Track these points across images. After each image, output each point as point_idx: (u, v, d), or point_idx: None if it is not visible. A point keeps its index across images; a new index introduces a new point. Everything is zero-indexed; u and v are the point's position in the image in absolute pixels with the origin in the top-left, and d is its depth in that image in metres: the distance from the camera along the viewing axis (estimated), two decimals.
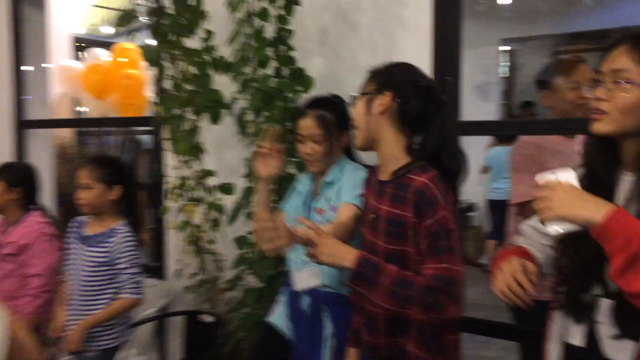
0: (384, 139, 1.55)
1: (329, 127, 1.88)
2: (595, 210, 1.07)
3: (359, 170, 1.88)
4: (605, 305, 1.18)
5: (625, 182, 1.20)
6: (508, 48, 6.96)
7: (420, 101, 1.52)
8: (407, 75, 1.55)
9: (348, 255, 1.45)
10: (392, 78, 1.55)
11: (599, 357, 1.19)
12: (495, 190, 5.42)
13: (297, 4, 2.22)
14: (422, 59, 2.13)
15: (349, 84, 2.39)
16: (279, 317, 2.02)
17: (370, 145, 1.58)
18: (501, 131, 4.32)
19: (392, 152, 1.54)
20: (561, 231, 1.11)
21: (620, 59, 1.15)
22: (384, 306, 1.44)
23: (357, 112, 1.58)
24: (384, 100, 1.52)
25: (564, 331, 1.27)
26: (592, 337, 1.21)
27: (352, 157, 1.98)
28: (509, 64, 7.00)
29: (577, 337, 1.24)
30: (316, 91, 2.25)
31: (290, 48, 2.24)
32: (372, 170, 1.70)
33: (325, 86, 2.42)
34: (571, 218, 1.09)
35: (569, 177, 1.13)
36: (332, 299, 1.86)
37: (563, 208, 1.09)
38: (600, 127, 1.18)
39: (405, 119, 1.53)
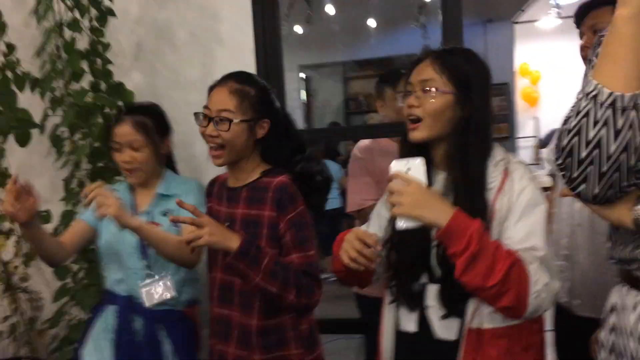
0: (243, 151, 1.60)
1: (148, 133, 1.81)
2: (440, 213, 1.17)
3: (190, 181, 1.86)
4: (432, 290, 1.32)
5: (439, 180, 1.37)
6: (304, 75, 7.44)
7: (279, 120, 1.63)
8: (273, 96, 1.64)
9: (233, 238, 1.44)
10: (268, 100, 1.61)
11: (431, 339, 1.32)
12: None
13: (112, 14, 2.14)
14: None
15: (169, 99, 2.39)
16: (93, 350, 1.80)
17: (233, 161, 1.61)
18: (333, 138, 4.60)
19: (250, 162, 1.62)
20: (407, 226, 1.21)
21: (426, 71, 1.32)
22: (267, 287, 1.46)
23: (233, 136, 1.56)
24: (264, 125, 1.59)
25: (398, 320, 1.40)
26: (423, 322, 1.34)
27: (172, 167, 1.95)
28: (306, 89, 7.50)
29: (410, 323, 1.37)
30: None
31: (107, 61, 2.15)
32: (214, 181, 1.75)
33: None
34: (419, 218, 1.18)
35: (418, 167, 1.23)
36: (169, 316, 1.79)
37: (413, 208, 1.17)
38: (417, 134, 1.33)
39: (270, 137, 1.61)
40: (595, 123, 0.86)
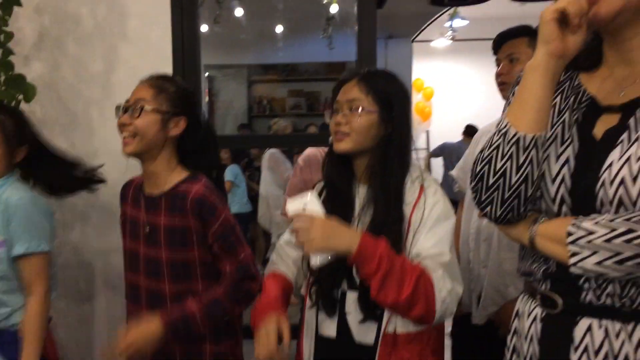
0: (161, 154, 1.59)
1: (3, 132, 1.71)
2: (350, 240, 1.22)
3: (35, 199, 1.73)
4: (352, 297, 1.40)
5: (360, 192, 1.46)
6: (206, 74, 7.35)
7: (200, 124, 1.66)
8: (195, 101, 1.66)
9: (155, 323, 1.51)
10: (187, 101, 1.62)
11: (351, 343, 1.40)
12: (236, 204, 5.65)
13: (18, 4, 2.04)
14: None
15: (71, 92, 2.32)
16: None
17: (142, 156, 1.59)
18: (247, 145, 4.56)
19: (166, 166, 1.61)
20: (321, 262, 1.26)
21: (353, 91, 1.42)
22: (215, 325, 1.57)
23: (144, 124, 1.55)
24: (180, 124, 1.59)
25: (318, 326, 1.47)
26: (343, 328, 1.41)
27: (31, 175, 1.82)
28: (209, 89, 7.41)
29: (330, 329, 1.43)
30: (37, 100, 2.12)
31: (9, 52, 2.05)
32: (128, 184, 1.73)
33: (48, 95, 2.30)
34: (333, 249, 1.23)
35: (313, 201, 1.30)
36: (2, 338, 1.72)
37: (325, 240, 1.21)
38: (342, 145, 1.42)
39: (187, 141, 1.62)
40: (503, 156, 0.98)
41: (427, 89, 7.89)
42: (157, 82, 1.60)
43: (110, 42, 2.32)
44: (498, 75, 1.91)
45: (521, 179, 0.98)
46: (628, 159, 0.92)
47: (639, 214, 0.89)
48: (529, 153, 0.96)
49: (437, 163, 7.09)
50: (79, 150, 2.21)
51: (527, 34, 1.86)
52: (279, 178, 5.22)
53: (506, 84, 1.86)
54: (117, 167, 1.79)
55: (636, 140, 0.92)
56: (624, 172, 0.91)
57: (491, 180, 1.00)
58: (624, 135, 0.94)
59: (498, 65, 1.94)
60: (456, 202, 2.04)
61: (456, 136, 6.85)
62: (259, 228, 5.67)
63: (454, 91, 7.84)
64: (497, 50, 1.95)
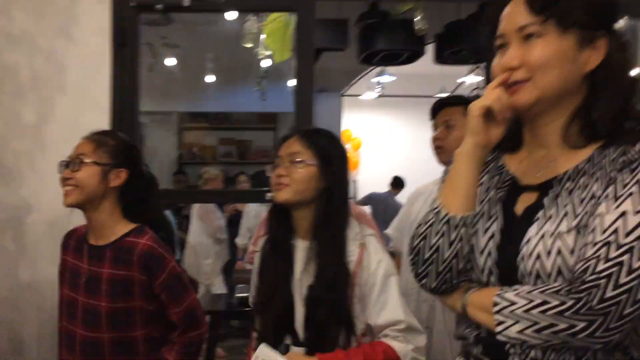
0: (103, 205, 1.62)
1: None
2: None
3: None
4: (298, 351, 1.43)
5: (300, 249, 1.50)
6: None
7: (141, 176, 1.70)
8: (136, 153, 1.70)
9: None
10: (128, 154, 1.66)
11: None
12: None
13: None
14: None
15: (2, 142, 2.24)
16: None
17: (84, 206, 1.62)
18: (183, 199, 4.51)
19: (110, 217, 1.63)
20: None
21: (294, 146, 1.50)
22: None
23: (84, 176, 1.59)
24: (121, 175, 1.63)
25: None
26: None
27: None
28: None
29: None
30: None
31: None
32: (71, 234, 1.73)
33: None
34: None
35: (266, 352, 1.37)
36: None
37: None
38: (282, 195, 1.47)
39: (129, 192, 1.65)
40: (436, 233, 1.07)
41: (355, 140, 8.13)
42: (97, 137, 1.65)
43: (45, 94, 2.27)
44: (435, 140, 2.02)
45: (453, 254, 1.06)
46: (543, 235, 1.01)
47: (553, 287, 0.96)
48: (459, 231, 1.06)
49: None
50: (6, 201, 2.12)
51: (462, 103, 1.99)
52: (209, 227, 5.16)
53: (442, 148, 1.97)
54: (45, 219, 1.75)
55: (550, 217, 1.02)
56: (540, 247, 1.00)
57: (427, 255, 1.08)
58: (540, 213, 1.04)
59: (435, 129, 2.05)
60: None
61: (383, 186, 7.04)
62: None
63: (382, 142, 8.12)
64: (434, 115, 2.07)
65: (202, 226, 5.16)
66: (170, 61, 5.28)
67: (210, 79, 5.85)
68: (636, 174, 0.96)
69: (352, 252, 1.43)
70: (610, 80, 1.02)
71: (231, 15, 2.92)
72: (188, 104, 6.66)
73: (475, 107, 1.05)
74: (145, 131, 7.27)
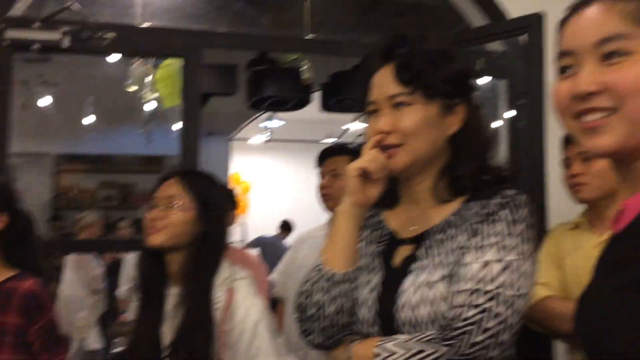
0: None
1: None
2: None
3: None
4: None
5: (172, 294, 1.44)
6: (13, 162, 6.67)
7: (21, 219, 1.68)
8: (15, 196, 1.68)
9: None
10: (6, 197, 1.65)
11: None
12: None
13: None
14: None
15: None
16: None
17: None
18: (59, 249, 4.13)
19: None
20: None
21: (172, 188, 1.46)
22: None
23: None
24: (2, 219, 1.61)
25: None
26: None
27: None
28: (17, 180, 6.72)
29: None
30: None
31: None
32: None
33: None
34: None
35: None
36: None
37: None
38: (155, 238, 1.41)
39: (10, 236, 1.63)
40: (319, 290, 1.10)
41: (244, 183, 8.10)
42: None
43: None
44: (322, 188, 2.07)
45: (336, 309, 1.09)
46: (418, 285, 1.07)
47: (428, 335, 1.01)
48: (341, 287, 1.09)
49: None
50: None
51: (347, 152, 2.07)
52: (84, 277, 4.80)
53: (328, 196, 2.02)
54: None
55: (424, 268, 1.08)
56: (415, 297, 1.06)
57: (310, 312, 1.11)
58: (415, 265, 1.10)
59: (322, 177, 2.09)
60: None
61: (272, 229, 7.03)
62: None
63: (270, 186, 8.16)
64: (320, 164, 2.12)
65: (76, 277, 4.79)
66: (47, 100, 4.98)
67: (90, 119, 5.58)
68: (495, 226, 1.05)
69: (219, 298, 1.39)
70: (469, 141, 1.13)
71: (114, 57, 2.84)
72: (65, 145, 6.30)
73: (353, 168, 1.11)
74: (17, 173, 6.73)
